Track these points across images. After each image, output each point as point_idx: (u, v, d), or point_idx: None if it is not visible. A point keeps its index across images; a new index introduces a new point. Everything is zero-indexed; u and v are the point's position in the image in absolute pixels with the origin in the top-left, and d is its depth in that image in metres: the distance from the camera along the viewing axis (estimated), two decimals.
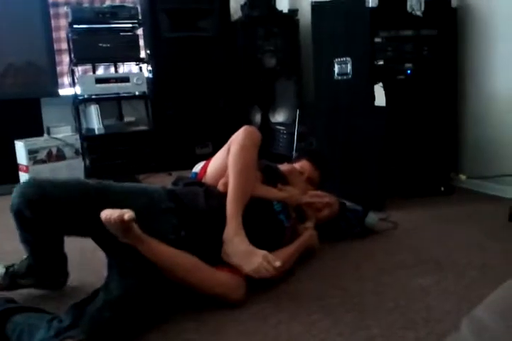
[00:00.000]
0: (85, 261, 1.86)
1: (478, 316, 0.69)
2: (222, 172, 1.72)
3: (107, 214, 1.32)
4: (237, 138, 1.66)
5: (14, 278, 1.57)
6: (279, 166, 1.99)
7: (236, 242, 1.49)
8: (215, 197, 1.63)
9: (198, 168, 1.97)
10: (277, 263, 1.45)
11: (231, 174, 1.60)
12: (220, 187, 1.71)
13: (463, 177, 2.66)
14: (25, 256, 1.59)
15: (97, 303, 1.27)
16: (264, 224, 1.67)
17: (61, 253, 1.57)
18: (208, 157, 1.99)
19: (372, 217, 2.08)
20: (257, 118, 3.73)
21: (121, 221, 1.30)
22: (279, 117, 3.66)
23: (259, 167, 1.75)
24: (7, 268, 1.59)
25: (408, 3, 2.56)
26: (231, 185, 1.58)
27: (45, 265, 1.57)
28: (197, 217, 1.55)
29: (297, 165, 2.09)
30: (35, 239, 1.48)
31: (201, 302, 1.48)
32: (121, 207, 1.38)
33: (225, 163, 1.69)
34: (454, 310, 1.42)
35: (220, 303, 1.47)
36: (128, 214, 1.30)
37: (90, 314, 1.24)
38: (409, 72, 2.61)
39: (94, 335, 1.21)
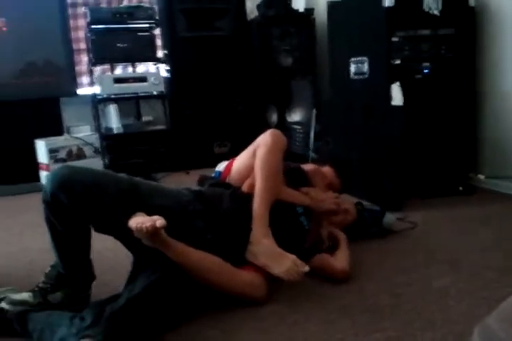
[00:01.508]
0: (106, 259, 1.89)
1: (489, 324, 0.70)
2: (247, 173, 1.75)
3: (138, 222, 1.33)
4: (264, 141, 1.69)
5: (45, 294, 1.50)
6: (302, 166, 2.01)
7: (265, 243, 1.52)
8: (241, 198, 1.66)
9: (221, 166, 1.99)
10: (306, 268, 1.49)
11: (258, 176, 1.63)
12: (244, 188, 1.75)
13: (482, 177, 2.65)
14: (49, 268, 1.55)
15: (119, 302, 1.29)
16: (286, 225, 1.69)
17: (88, 254, 1.55)
18: (226, 155, 2.01)
19: (389, 217, 2.08)
20: (274, 117, 3.74)
21: (153, 229, 1.31)
22: (295, 116, 3.66)
23: (284, 169, 1.77)
24: (33, 290, 1.52)
25: (425, 2, 2.54)
26: (258, 187, 1.61)
27: (74, 269, 1.53)
28: (222, 218, 1.58)
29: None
30: (65, 233, 1.45)
31: (218, 301, 1.50)
32: (151, 207, 1.41)
33: (250, 164, 1.72)
34: (471, 311, 1.42)
35: (238, 302, 1.49)
36: (159, 221, 1.31)
37: (110, 313, 1.26)
38: (426, 71, 2.59)
39: (112, 335, 1.23)
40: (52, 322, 1.32)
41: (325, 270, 1.67)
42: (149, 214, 1.38)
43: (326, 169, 2.11)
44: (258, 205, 1.58)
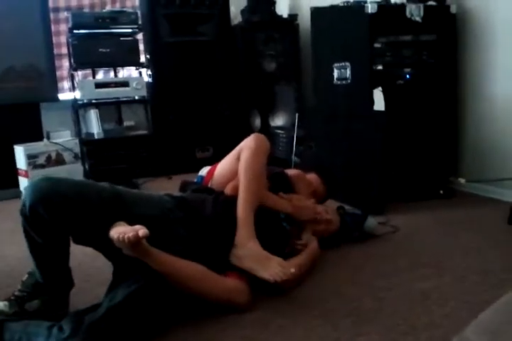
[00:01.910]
0: (85, 266, 1.85)
1: (468, 337, 0.69)
2: (230, 177, 1.75)
3: (120, 232, 1.29)
4: (248, 145, 1.69)
5: (22, 303, 1.46)
6: (286, 170, 2.00)
7: (250, 246, 1.51)
8: (224, 203, 1.64)
9: (204, 171, 1.98)
10: (292, 270, 1.48)
11: (242, 179, 1.62)
12: (228, 190, 1.73)
13: (462, 180, 2.67)
14: (26, 276, 1.51)
15: (98, 312, 1.26)
16: (268, 229, 1.68)
17: (67, 263, 1.51)
18: (208, 160, 2.00)
19: (371, 221, 2.08)
20: (257, 122, 3.74)
21: (135, 239, 1.28)
22: (279, 121, 3.66)
23: (267, 174, 1.76)
24: (9, 298, 1.48)
25: (407, 9, 2.57)
26: (243, 190, 1.60)
27: (52, 277, 1.50)
28: (205, 224, 1.56)
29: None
30: (44, 244, 1.41)
31: (201, 309, 1.48)
32: (133, 216, 1.39)
33: (233, 168, 1.72)
34: (454, 315, 1.41)
35: (221, 309, 1.47)
36: (142, 230, 1.28)
37: (90, 323, 1.23)
38: (408, 76, 2.62)
39: None
40: (30, 331, 1.29)
41: None
42: (131, 223, 1.35)
43: (312, 176, 2.10)
44: (242, 208, 1.57)
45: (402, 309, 1.47)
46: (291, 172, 2.05)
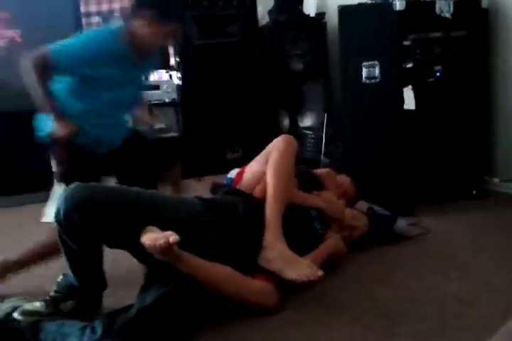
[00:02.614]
0: (118, 269, 1.87)
1: None
2: (259, 178, 1.76)
3: (151, 239, 1.32)
4: (276, 146, 1.71)
5: (57, 304, 1.53)
6: (317, 170, 2.01)
7: (279, 248, 1.53)
8: (254, 206, 1.65)
9: (233, 173, 1.99)
10: (320, 273, 1.48)
11: (271, 181, 1.64)
12: (256, 192, 1.74)
13: (496, 180, 2.61)
14: (61, 277, 1.57)
15: (130, 313, 1.30)
16: (299, 230, 1.69)
17: (101, 266, 1.56)
18: (238, 161, 2.02)
19: (401, 223, 2.06)
20: (285, 122, 3.74)
21: (166, 246, 1.30)
22: (307, 121, 3.66)
23: (296, 173, 1.78)
24: (45, 299, 1.54)
25: (437, 5, 2.52)
26: (271, 192, 1.61)
27: (87, 280, 1.55)
28: (235, 227, 1.58)
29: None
30: (79, 250, 1.46)
31: (230, 310, 1.50)
32: (164, 221, 1.42)
33: (262, 170, 1.73)
34: (486, 318, 1.39)
35: (247, 311, 1.49)
36: (173, 237, 1.30)
37: (121, 324, 1.27)
38: (438, 74, 2.57)
39: None
40: (63, 332, 1.34)
41: None
42: (162, 227, 1.38)
43: (342, 177, 2.10)
44: (271, 210, 1.59)
45: (434, 311, 1.46)
46: (320, 171, 2.05)
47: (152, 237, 1.33)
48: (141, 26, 1.77)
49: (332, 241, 1.80)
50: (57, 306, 1.52)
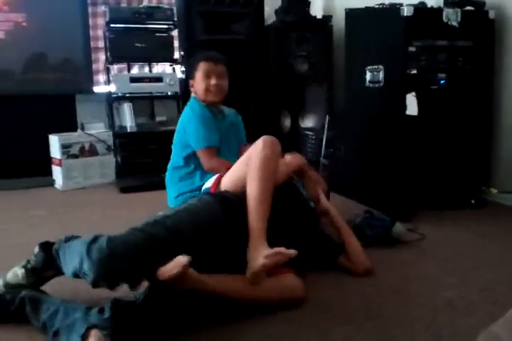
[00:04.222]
0: None
1: (495, 332, 0.69)
2: (240, 184, 1.64)
3: (165, 272, 1.30)
4: (256, 151, 1.61)
5: (38, 273, 1.51)
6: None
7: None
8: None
9: (209, 184, 1.94)
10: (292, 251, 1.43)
11: (254, 188, 1.54)
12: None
13: (494, 190, 2.63)
14: (37, 250, 1.54)
15: (138, 299, 1.31)
16: (296, 212, 1.71)
17: None
18: None
19: (399, 227, 2.07)
20: (287, 123, 3.75)
21: (182, 271, 1.29)
22: (309, 122, 3.67)
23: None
24: (25, 267, 1.52)
25: (444, 13, 2.54)
26: (256, 201, 1.52)
27: None
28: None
29: None
30: None
31: (225, 307, 1.47)
32: (193, 247, 1.40)
33: (244, 175, 1.62)
34: (479, 326, 1.40)
35: (244, 308, 1.46)
36: (183, 260, 1.29)
37: (130, 308, 1.28)
38: (442, 82, 2.59)
39: (122, 331, 1.24)
40: (68, 305, 1.34)
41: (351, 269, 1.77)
42: (191, 253, 1.34)
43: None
44: (255, 221, 1.50)
45: (426, 316, 1.47)
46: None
47: (165, 270, 1.30)
48: None
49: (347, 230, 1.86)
50: (40, 274, 1.51)
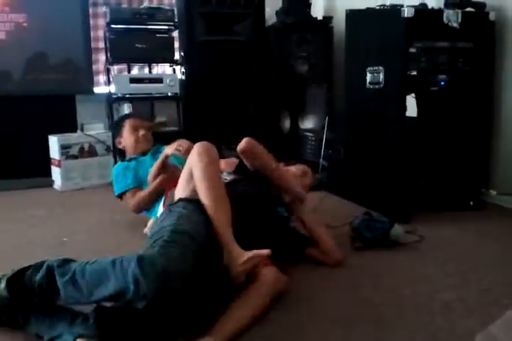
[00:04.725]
0: None
1: (493, 333, 0.69)
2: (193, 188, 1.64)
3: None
4: (194, 161, 1.60)
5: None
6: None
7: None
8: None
9: (161, 208, 1.97)
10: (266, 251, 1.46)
11: (205, 199, 1.53)
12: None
13: (493, 192, 2.62)
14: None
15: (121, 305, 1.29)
16: (266, 221, 1.79)
17: None
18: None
19: (397, 229, 2.06)
20: (286, 123, 3.74)
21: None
22: (308, 123, 3.67)
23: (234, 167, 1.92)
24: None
25: (445, 15, 2.54)
26: (212, 210, 1.51)
27: None
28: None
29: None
30: None
31: (216, 307, 1.45)
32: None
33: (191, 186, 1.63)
34: (478, 328, 1.40)
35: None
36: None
37: (114, 314, 1.27)
38: (443, 83, 2.59)
39: (109, 337, 1.24)
40: (54, 316, 1.33)
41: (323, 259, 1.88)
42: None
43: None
44: (222, 232, 1.49)
45: (425, 318, 1.47)
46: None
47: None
48: None
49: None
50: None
